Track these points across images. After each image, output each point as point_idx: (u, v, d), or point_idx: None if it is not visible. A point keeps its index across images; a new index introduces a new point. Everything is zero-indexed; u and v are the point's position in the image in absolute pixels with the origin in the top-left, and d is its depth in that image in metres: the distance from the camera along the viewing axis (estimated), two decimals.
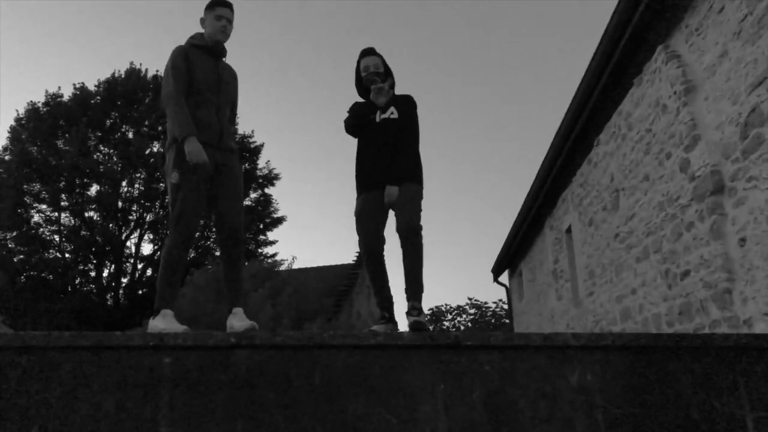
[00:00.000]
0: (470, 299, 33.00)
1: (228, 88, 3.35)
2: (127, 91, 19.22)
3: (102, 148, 19.37)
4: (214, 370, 2.64)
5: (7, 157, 18.36)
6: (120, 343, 2.60)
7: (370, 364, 2.68)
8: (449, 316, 29.79)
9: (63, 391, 2.56)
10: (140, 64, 20.26)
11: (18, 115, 18.97)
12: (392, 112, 3.76)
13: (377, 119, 3.76)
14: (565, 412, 2.63)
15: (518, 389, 2.67)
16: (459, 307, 30.34)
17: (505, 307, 26.76)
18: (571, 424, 2.61)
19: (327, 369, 2.67)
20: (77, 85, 19.26)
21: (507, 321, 26.30)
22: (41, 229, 19.58)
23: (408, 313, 3.42)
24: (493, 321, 28.93)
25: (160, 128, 19.80)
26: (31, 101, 19.09)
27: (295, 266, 17.62)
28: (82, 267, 20.07)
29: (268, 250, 21.27)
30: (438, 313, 29.57)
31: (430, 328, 4.49)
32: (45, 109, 18.95)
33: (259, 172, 20.31)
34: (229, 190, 3.21)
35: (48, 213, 19.55)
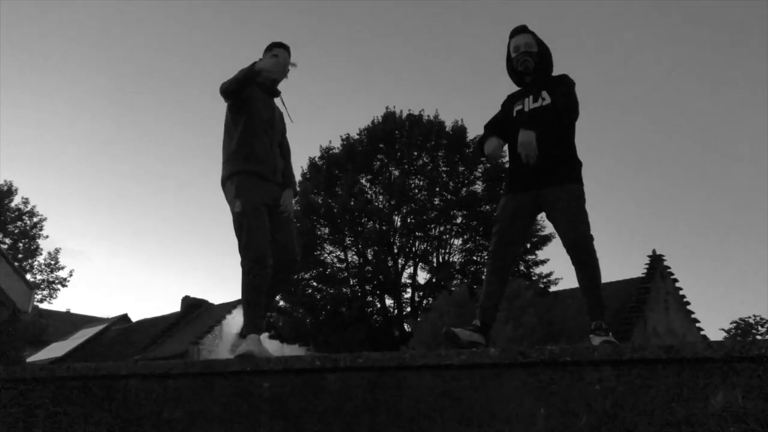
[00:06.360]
0: None
1: (278, 127, 3.51)
2: (386, 133, 20.77)
3: (372, 188, 21.14)
4: (306, 394, 2.60)
5: (296, 207, 21.17)
6: (222, 369, 2.72)
7: (456, 387, 2.38)
8: (761, 329, 25.30)
9: (182, 414, 2.77)
10: (394, 107, 21.77)
11: (302, 170, 21.75)
12: (543, 98, 3.30)
13: (525, 108, 3.33)
14: None
15: (638, 414, 2.11)
16: None
17: None
18: None
19: (412, 392, 2.44)
20: (343, 137, 21.53)
21: None
22: (333, 269, 21.94)
23: (593, 333, 3.02)
24: None
25: (420, 162, 20.94)
26: (310, 157, 21.77)
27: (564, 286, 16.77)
28: (370, 299, 21.92)
29: (541, 270, 20.72)
30: (746, 327, 25.36)
31: None
32: (321, 162, 21.48)
33: None
34: (284, 223, 3.36)
35: (337, 253, 21.87)
